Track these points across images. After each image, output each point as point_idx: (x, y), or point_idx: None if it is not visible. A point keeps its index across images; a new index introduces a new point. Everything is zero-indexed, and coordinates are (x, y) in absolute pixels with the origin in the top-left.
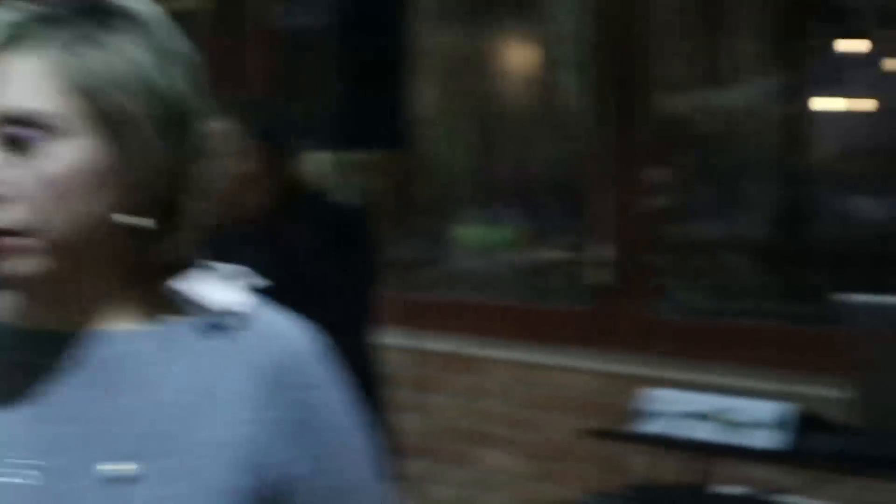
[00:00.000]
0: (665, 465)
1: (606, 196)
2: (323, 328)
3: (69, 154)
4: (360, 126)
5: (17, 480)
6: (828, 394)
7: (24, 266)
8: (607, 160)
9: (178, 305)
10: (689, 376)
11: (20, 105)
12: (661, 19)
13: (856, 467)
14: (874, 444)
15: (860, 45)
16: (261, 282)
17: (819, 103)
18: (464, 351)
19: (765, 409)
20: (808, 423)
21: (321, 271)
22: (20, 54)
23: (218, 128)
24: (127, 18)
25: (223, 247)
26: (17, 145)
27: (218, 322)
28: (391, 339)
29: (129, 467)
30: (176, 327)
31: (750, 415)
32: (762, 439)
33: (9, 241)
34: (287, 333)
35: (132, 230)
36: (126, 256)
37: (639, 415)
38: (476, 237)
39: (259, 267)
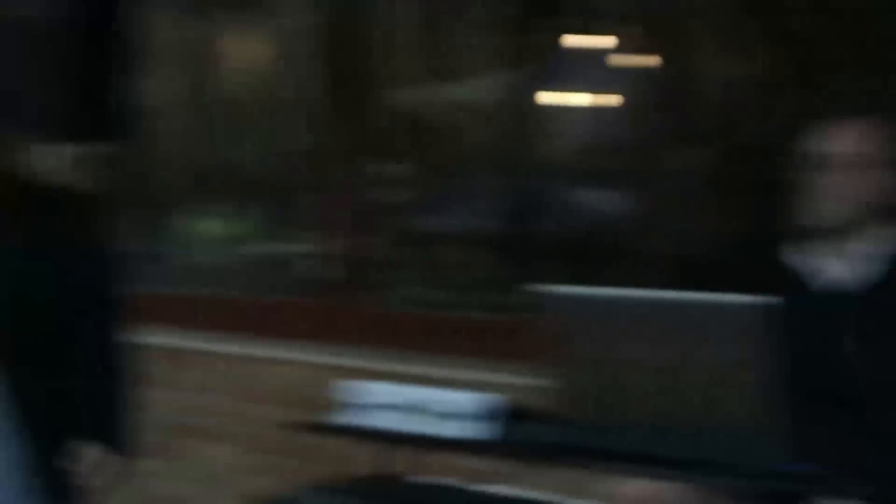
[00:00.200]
0: (389, 458)
1: (334, 190)
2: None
3: None
4: (91, 118)
5: None
6: (532, 383)
7: None
8: (336, 154)
9: None
10: (405, 368)
11: None
12: (391, 12)
13: (557, 456)
14: (575, 434)
15: (590, 41)
16: None
17: (549, 98)
18: (189, 345)
19: (469, 400)
20: (511, 413)
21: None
22: None
23: None
24: None
25: None
26: None
27: None
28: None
29: None
30: None
31: (454, 405)
32: (466, 430)
33: None
34: None
35: None
36: None
37: (344, 406)
38: (209, 230)
39: None
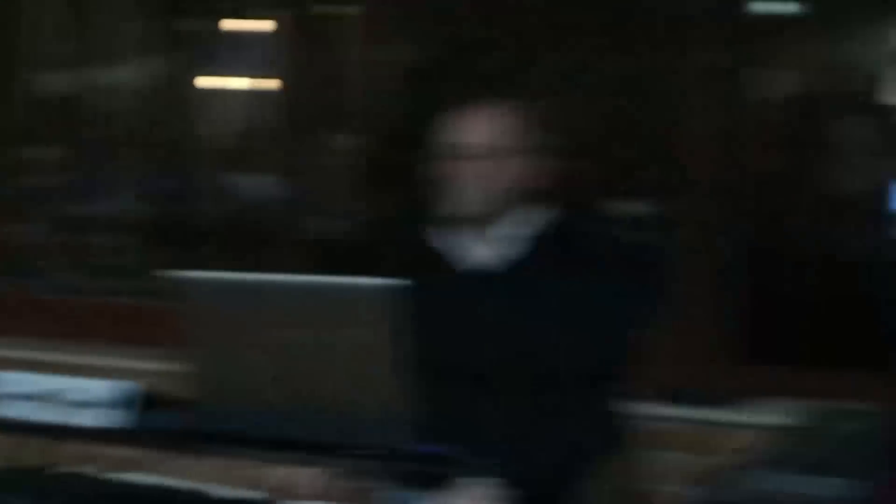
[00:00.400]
0: (24, 449)
1: None
2: None
3: None
4: None
5: None
6: (170, 369)
7: None
8: None
9: None
10: (46, 356)
11: None
12: None
13: (193, 443)
14: (210, 420)
15: (243, 26)
16: None
17: (201, 82)
18: None
19: (103, 388)
20: (147, 400)
21: None
22: None
23: None
24: None
25: None
26: None
27: None
28: None
29: None
30: None
31: (88, 393)
32: (101, 418)
33: None
34: None
35: None
36: None
37: None
38: None
39: None
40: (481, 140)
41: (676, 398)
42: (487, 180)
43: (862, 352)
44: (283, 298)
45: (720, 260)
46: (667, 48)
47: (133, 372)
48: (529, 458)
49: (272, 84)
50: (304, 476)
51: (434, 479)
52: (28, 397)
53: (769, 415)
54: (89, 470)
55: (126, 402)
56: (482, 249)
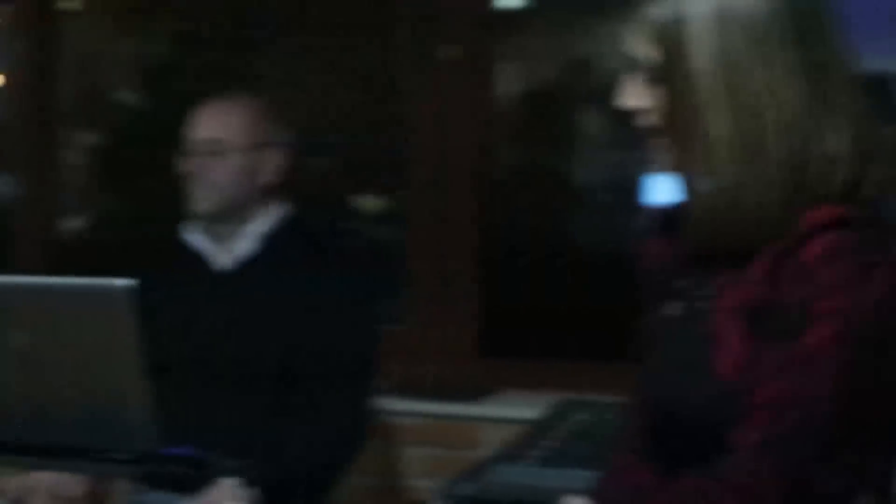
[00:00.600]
0: None
1: None
2: None
3: None
4: None
5: None
6: None
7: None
8: None
9: None
10: None
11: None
12: None
13: None
14: None
15: None
16: None
17: None
18: None
19: None
20: None
21: None
22: None
23: None
24: None
25: None
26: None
27: None
28: None
29: None
30: None
31: None
32: None
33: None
34: None
35: None
36: None
37: None
38: None
39: None
40: (217, 135)
41: (418, 392)
42: (225, 176)
43: (599, 344)
44: (22, 300)
45: (460, 255)
46: (407, 42)
47: None
48: (277, 457)
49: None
50: (47, 481)
51: (183, 482)
52: None
53: (509, 408)
54: None
55: None
56: (222, 246)
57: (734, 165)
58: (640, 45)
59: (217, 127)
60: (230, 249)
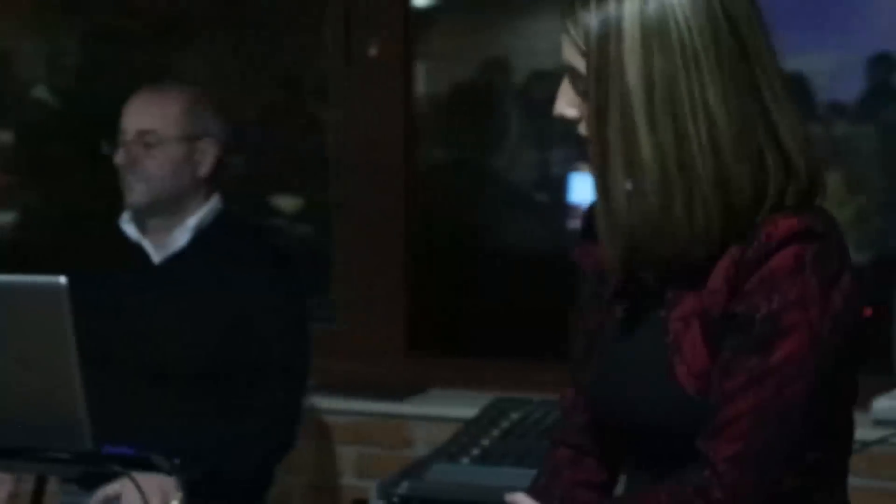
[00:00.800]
0: None
1: None
2: None
3: None
4: None
5: None
6: None
7: None
8: None
9: None
10: None
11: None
12: None
13: None
14: None
15: None
16: None
17: None
18: None
19: None
20: None
21: None
22: None
23: None
24: None
25: None
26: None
27: None
28: None
29: None
30: None
31: None
32: None
33: None
34: None
35: None
36: None
37: None
38: None
39: None
40: (151, 126)
41: (347, 391)
42: (159, 168)
43: (528, 342)
44: None
45: (386, 253)
46: (332, 39)
47: None
48: (208, 455)
49: None
50: None
51: (108, 480)
52: None
53: (439, 406)
54: None
55: None
56: (157, 239)
57: (657, 185)
58: (570, 53)
59: (151, 117)
60: (165, 243)
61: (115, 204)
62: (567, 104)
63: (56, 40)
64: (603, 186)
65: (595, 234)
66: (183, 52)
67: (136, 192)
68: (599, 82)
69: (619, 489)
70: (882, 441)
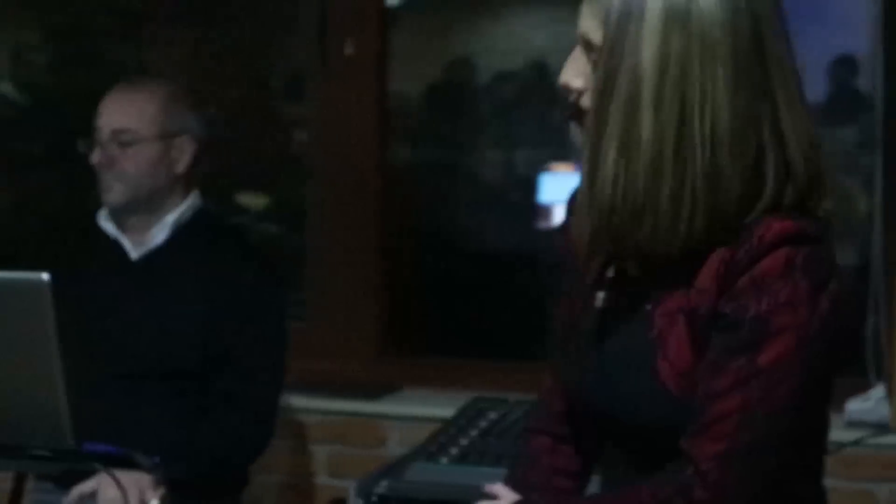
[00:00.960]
0: None
1: None
2: None
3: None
4: None
5: None
6: None
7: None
8: None
9: None
10: None
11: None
12: None
13: None
14: None
15: None
16: None
17: None
18: None
19: None
20: None
21: None
22: None
23: None
24: None
25: None
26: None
27: None
28: None
29: None
30: None
31: None
32: None
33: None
34: None
35: None
36: None
37: None
38: None
39: None
40: (126, 125)
41: (321, 390)
42: (135, 166)
43: (505, 342)
44: None
45: (360, 252)
46: (305, 38)
47: None
48: (186, 453)
49: None
50: None
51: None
52: None
53: (413, 405)
54: None
55: None
56: (135, 236)
57: (649, 167)
58: (588, 24)
59: (126, 116)
60: (143, 239)
61: (91, 200)
62: (574, 74)
63: (20, 35)
64: (592, 161)
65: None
66: (152, 47)
67: (114, 191)
68: (612, 55)
69: (594, 484)
70: (856, 443)
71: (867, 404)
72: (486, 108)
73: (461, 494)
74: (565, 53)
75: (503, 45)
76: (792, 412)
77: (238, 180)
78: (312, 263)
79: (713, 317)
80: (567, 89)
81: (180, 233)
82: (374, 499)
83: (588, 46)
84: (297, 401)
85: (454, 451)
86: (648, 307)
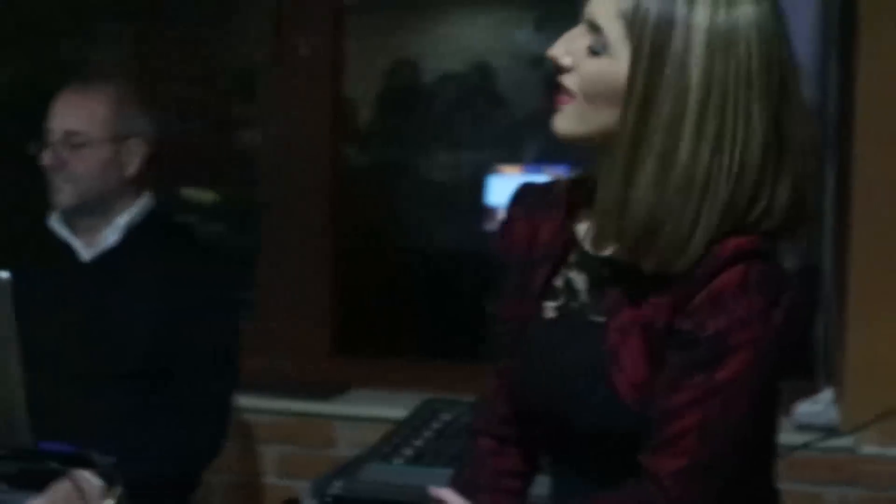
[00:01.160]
0: None
1: None
2: None
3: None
4: None
5: None
6: None
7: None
8: None
9: None
10: None
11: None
12: None
13: None
14: None
15: None
16: None
17: None
18: None
19: None
20: None
21: None
22: None
23: None
24: None
25: None
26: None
27: None
28: None
29: None
30: None
31: None
32: None
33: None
34: None
35: None
36: None
37: None
38: None
39: None
40: (76, 127)
41: (272, 390)
42: (86, 169)
43: (454, 342)
44: None
45: (313, 251)
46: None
47: None
48: (140, 454)
49: None
50: None
51: (46, 477)
52: None
53: (364, 406)
54: None
55: None
56: (86, 238)
57: (681, 187)
58: (599, 10)
59: (77, 119)
60: (95, 241)
61: (42, 202)
62: (565, 51)
63: None
64: (627, 169)
65: (518, 224)
66: (98, 45)
67: (64, 193)
68: (652, 72)
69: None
70: (806, 446)
71: (816, 407)
72: (434, 110)
73: (415, 495)
74: (507, 56)
75: (447, 47)
76: (749, 423)
77: (186, 179)
78: (264, 263)
79: (669, 332)
80: (554, 62)
81: (132, 234)
82: (328, 499)
83: (593, 29)
84: (248, 401)
85: (408, 451)
86: (601, 319)
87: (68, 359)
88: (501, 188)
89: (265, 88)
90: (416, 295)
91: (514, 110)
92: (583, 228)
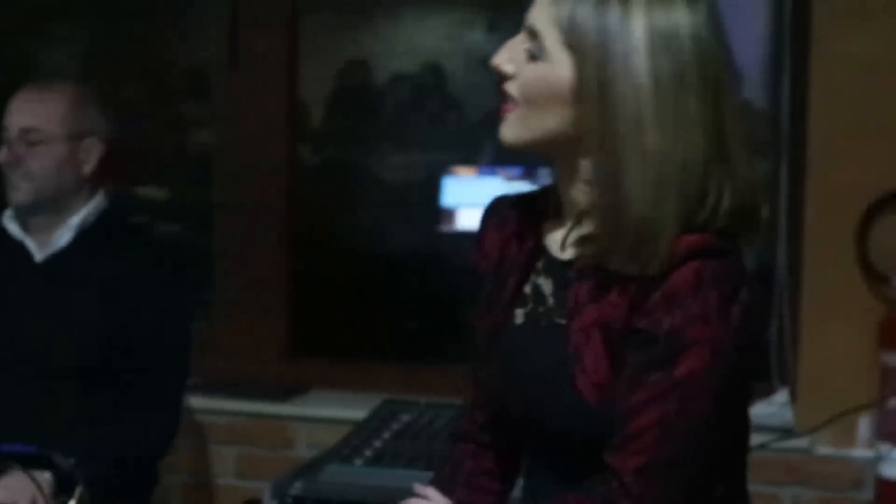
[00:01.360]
0: None
1: None
2: None
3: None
4: None
5: None
6: None
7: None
8: None
9: None
10: None
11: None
12: None
13: None
14: None
15: None
16: None
17: None
18: None
19: None
20: None
21: None
22: None
23: None
24: None
25: None
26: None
27: None
28: None
29: None
30: None
31: None
32: None
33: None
34: None
35: None
36: None
37: None
38: None
39: None
40: (33, 124)
41: (227, 390)
42: (42, 166)
43: (413, 344)
44: None
45: (268, 252)
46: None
47: None
48: (92, 454)
49: None
50: None
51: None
52: None
53: (320, 407)
54: None
55: None
56: (40, 237)
57: (644, 183)
58: (543, 18)
59: (35, 116)
60: (48, 241)
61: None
62: (509, 59)
63: None
64: (612, 173)
65: (490, 236)
66: (51, 44)
67: (20, 190)
68: (601, 74)
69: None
70: (762, 446)
71: (771, 408)
72: (387, 111)
73: (376, 496)
74: (460, 57)
75: (399, 47)
76: (709, 422)
77: (140, 178)
78: (219, 263)
79: (627, 331)
80: (497, 71)
81: (85, 234)
82: (288, 500)
83: (532, 35)
84: (205, 402)
85: (368, 452)
86: (565, 322)
87: (21, 359)
88: (456, 189)
89: (220, 88)
90: (372, 296)
91: (467, 111)
92: (553, 236)
